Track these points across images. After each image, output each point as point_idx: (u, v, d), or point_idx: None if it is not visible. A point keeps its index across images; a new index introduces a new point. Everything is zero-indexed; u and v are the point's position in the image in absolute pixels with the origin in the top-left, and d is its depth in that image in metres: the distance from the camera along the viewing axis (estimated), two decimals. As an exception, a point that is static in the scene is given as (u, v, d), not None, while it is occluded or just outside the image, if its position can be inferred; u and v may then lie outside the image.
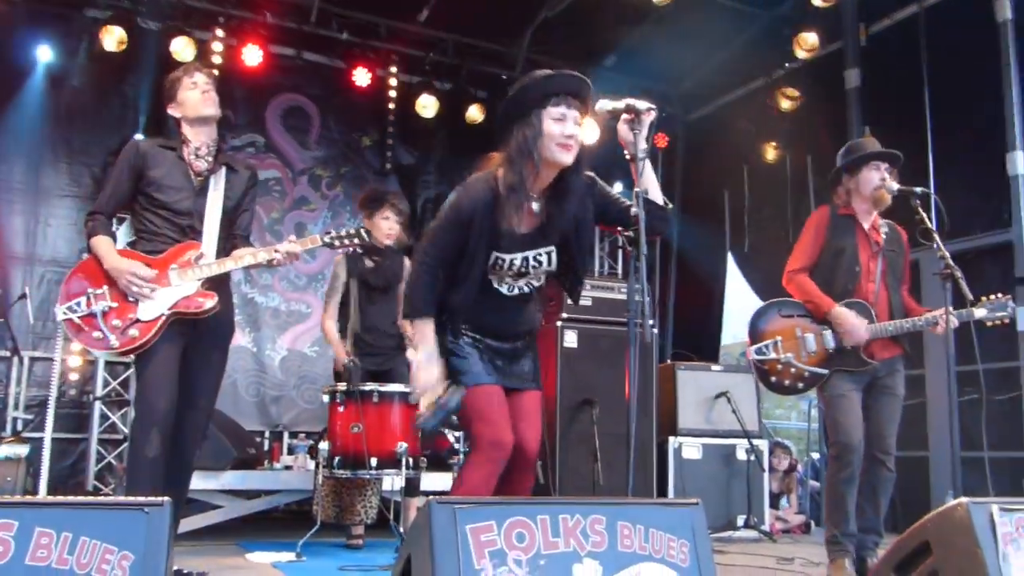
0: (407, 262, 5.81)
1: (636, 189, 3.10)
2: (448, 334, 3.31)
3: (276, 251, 4.03)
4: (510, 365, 3.40)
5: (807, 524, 7.41)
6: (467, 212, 3.22)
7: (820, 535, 5.34)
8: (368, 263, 5.61)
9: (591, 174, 3.39)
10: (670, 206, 3.29)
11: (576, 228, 3.35)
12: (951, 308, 4.25)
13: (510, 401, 3.35)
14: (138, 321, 3.84)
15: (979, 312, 4.39)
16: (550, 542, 2.38)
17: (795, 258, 4.66)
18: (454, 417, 3.36)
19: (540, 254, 3.32)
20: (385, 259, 5.67)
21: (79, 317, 3.84)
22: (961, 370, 4.81)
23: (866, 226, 4.58)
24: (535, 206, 3.27)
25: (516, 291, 3.37)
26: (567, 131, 3.15)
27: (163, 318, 3.85)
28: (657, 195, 3.27)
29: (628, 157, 3.19)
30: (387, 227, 5.54)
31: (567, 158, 3.16)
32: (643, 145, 3.15)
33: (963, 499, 2.98)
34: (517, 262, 3.28)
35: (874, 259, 4.56)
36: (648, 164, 3.20)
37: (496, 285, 3.33)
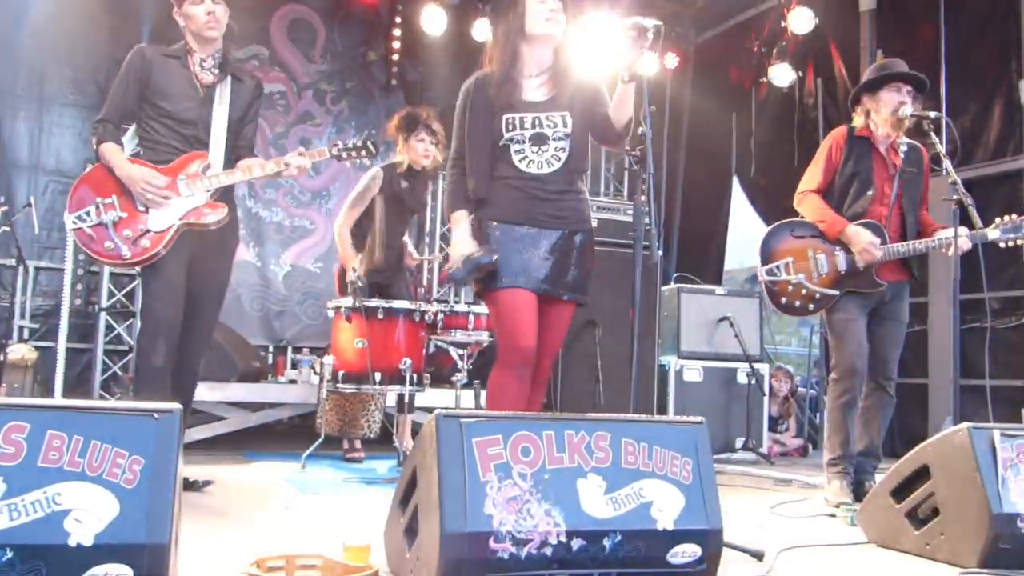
0: (430, 186, 5.93)
1: (646, 110, 3.09)
2: (483, 231, 3.44)
3: (286, 164, 4.01)
4: (550, 269, 3.41)
5: (805, 448, 7.50)
6: (466, 91, 3.52)
7: (817, 458, 5.40)
8: (404, 183, 5.57)
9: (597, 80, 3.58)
10: (641, 131, 3.14)
11: (582, 101, 3.49)
12: (964, 230, 4.23)
13: (542, 308, 3.40)
14: (149, 231, 3.83)
15: (992, 233, 4.30)
16: (555, 457, 2.40)
17: (808, 179, 4.61)
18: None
19: (553, 116, 3.44)
20: (418, 182, 5.67)
21: (89, 227, 3.81)
22: (965, 298, 4.82)
23: (883, 149, 4.51)
24: (536, 81, 3.48)
25: (545, 167, 3.41)
26: (549, 6, 3.39)
27: (173, 228, 3.84)
28: (623, 116, 3.38)
29: (619, 75, 3.24)
30: (422, 149, 5.47)
31: (555, 29, 3.41)
32: (636, 68, 3.15)
33: (964, 424, 3.00)
34: (530, 120, 3.41)
35: (889, 182, 4.50)
36: (631, 87, 3.26)
37: (524, 165, 3.40)
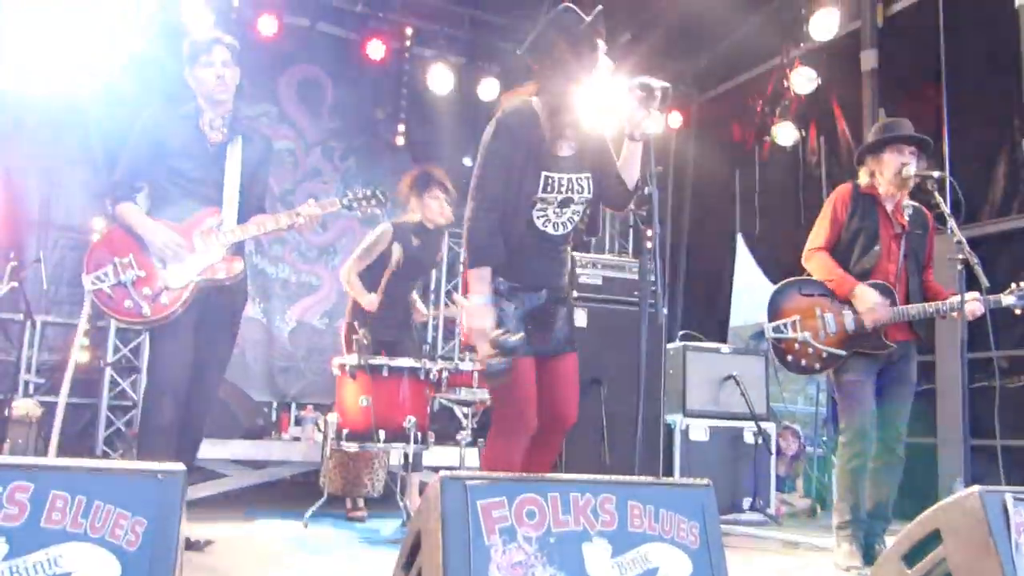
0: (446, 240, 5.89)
1: (652, 169, 3.09)
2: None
3: (297, 214, 4.05)
4: (546, 330, 3.32)
5: (813, 508, 7.41)
6: (517, 130, 3.21)
7: (826, 520, 5.34)
8: (415, 241, 5.58)
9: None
10: (647, 191, 3.12)
11: (597, 159, 3.38)
12: (977, 295, 4.23)
13: (547, 367, 3.30)
14: (167, 288, 3.85)
15: (1007, 299, 4.30)
16: (560, 520, 2.37)
17: (815, 235, 4.61)
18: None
19: (581, 179, 3.30)
20: (431, 239, 5.69)
21: (109, 287, 3.84)
22: (973, 356, 4.79)
23: (889, 207, 4.53)
24: (568, 132, 3.29)
25: (560, 229, 3.31)
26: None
27: (192, 285, 3.87)
28: (633, 177, 3.29)
29: (627, 134, 3.21)
30: (437, 207, 5.52)
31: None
32: (644, 128, 3.14)
33: (975, 487, 2.96)
34: (564, 182, 3.25)
35: (896, 240, 4.51)
36: (639, 147, 3.22)
37: (541, 224, 3.27)
